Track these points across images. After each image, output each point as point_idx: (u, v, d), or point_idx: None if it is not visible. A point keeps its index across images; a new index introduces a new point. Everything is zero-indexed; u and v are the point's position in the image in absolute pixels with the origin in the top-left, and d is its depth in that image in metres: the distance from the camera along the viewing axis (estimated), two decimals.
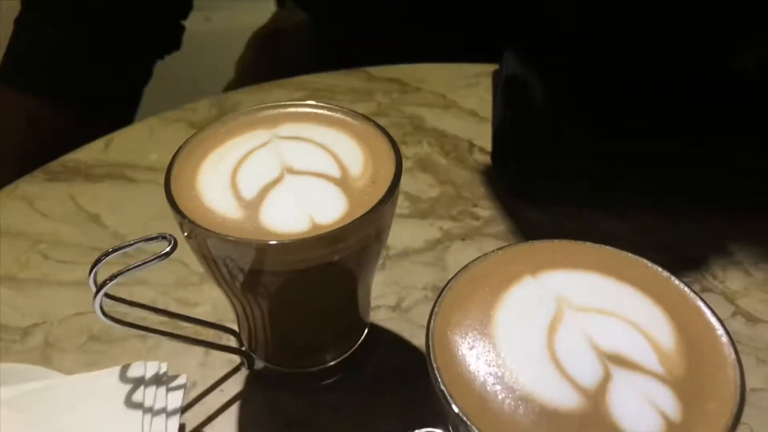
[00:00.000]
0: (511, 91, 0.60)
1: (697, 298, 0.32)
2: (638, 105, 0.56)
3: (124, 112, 0.84)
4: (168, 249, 0.37)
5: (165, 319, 0.45)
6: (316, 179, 0.38)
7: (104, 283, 0.37)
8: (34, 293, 0.53)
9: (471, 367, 0.29)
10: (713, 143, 0.55)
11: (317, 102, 0.43)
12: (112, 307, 0.39)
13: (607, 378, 0.28)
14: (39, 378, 0.43)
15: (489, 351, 0.30)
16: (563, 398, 0.28)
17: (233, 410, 0.45)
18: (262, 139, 0.41)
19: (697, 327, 0.30)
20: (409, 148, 0.65)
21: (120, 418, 0.40)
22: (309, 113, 0.43)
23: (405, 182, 0.60)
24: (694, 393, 0.28)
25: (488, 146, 0.63)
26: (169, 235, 0.38)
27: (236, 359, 0.48)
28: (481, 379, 0.29)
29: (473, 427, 0.27)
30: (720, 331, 0.30)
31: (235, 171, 0.39)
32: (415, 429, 0.30)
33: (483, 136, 0.65)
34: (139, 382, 0.41)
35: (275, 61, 1.00)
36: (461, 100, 0.71)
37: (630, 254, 0.34)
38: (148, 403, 0.40)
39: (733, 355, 0.29)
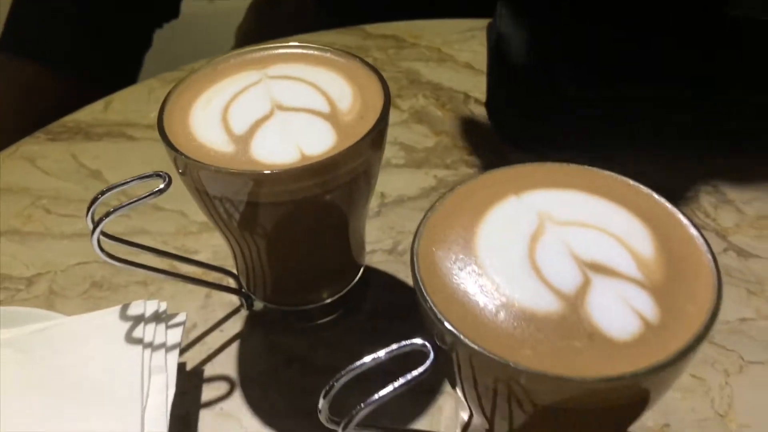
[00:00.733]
0: (504, 41, 0.60)
1: (678, 212, 0.32)
2: (627, 50, 0.56)
3: (124, 81, 0.85)
4: (162, 186, 0.38)
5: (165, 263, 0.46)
6: (306, 114, 0.39)
7: (101, 219, 0.38)
8: (37, 245, 0.54)
9: (454, 278, 0.30)
10: (703, 86, 0.55)
11: (307, 42, 0.44)
12: (113, 247, 0.40)
13: (586, 284, 0.29)
14: (41, 320, 0.44)
15: (471, 263, 0.30)
16: (543, 303, 0.28)
17: (233, 348, 0.46)
18: (252, 79, 0.42)
19: (676, 238, 0.31)
20: (405, 101, 0.66)
21: (120, 354, 0.41)
22: (299, 53, 0.43)
23: (400, 133, 0.61)
24: (672, 297, 0.29)
25: (483, 97, 0.63)
26: (164, 172, 0.39)
27: (236, 301, 0.49)
28: (464, 289, 0.29)
29: (456, 332, 0.28)
30: (699, 240, 0.31)
31: (226, 108, 0.40)
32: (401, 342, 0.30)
33: (478, 87, 0.66)
34: (138, 320, 0.42)
35: (274, 27, 1.01)
36: (456, 54, 0.71)
37: (613, 173, 0.34)
38: (148, 339, 0.42)
39: (711, 262, 0.30)
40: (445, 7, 0.75)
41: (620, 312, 0.28)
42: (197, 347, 0.46)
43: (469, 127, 0.62)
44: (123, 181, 0.39)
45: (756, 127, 0.57)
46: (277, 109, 0.39)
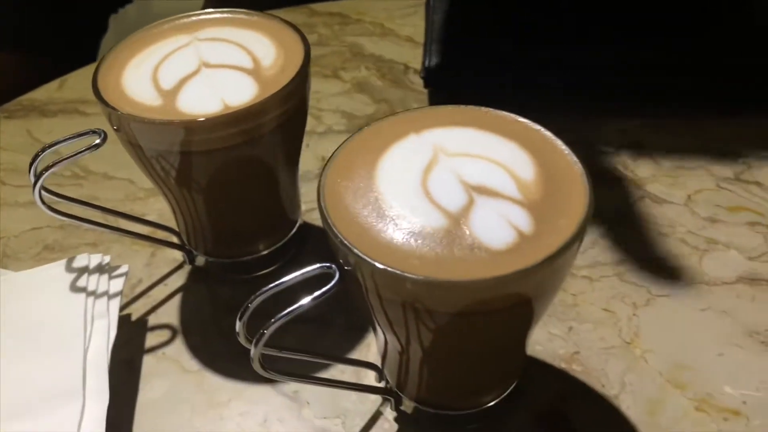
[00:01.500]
0: (438, 9, 0.63)
1: (563, 144, 0.35)
2: (551, 13, 0.59)
3: (80, 65, 0.88)
4: (99, 141, 0.41)
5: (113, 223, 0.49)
6: (231, 71, 0.42)
7: (42, 173, 0.41)
8: None
9: (355, 205, 0.33)
10: (623, 46, 0.59)
11: (234, 8, 0.47)
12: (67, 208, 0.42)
13: (470, 203, 0.32)
14: None
15: (370, 191, 0.33)
16: (431, 221, 0.32)
17: (176, 300, 0.49)
18: (183, 41, 0.44)
19: (557, 164, 0.34)
20: (348, 73, 0.69)
21: (65, 302, 0.44)
22: (227, 17, 0.46)
23: (342, 102, 0.64)
24: (547, 213, 0.32)
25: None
26: (100, 129, 0.41)
27: (179, 258, 0.51)
28: (363, 213, 0.32)
29: (354, 249, 0.31)
30: (576, 165, 0.34)
31: (156, 68, 0.43)
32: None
33: (418, 59, 0.69)
34: (83, 271, 0.45)
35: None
36: (398, 29, 0.74)
37: (507, 113, 0.37)
38: (91, 288, 0.44)
39: (586, 185, 0.33)
40: None
41: (499, 226, 0.31)
42: (142, 300, 0.49)
43: (406, 95, 0.65)
44: (62, 138, 0.42)
45: (673, 85, 0.60)
46: (204, 67, 0.42)
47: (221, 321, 0.47)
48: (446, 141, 0.35)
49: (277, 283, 0.33)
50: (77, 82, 0.70)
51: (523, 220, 0.32)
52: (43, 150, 0.42)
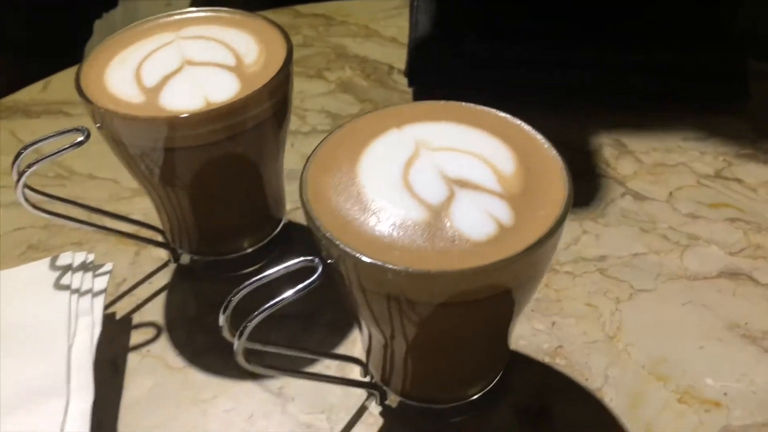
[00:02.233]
0: (422, 9, 0.64)
1: (543, 138, 0.36)
2: (532, 14, 0.60)
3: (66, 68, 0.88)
4: (82, 138, 0.41)
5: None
6: (213, 68, 0.42)
7: (24, 171, 0.41)
8: None
9: (337, 199, 0.33)
10: (604, 45, 0.60)
11: (218, 7, 0.47)
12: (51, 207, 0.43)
13: (451, 197, 0.32)
14: None
15: (352, 185, 0.34)
16: (412, 214, 0.32)
17: (160, 298, 0.49)
18: (166, 40, 0.44)
19: (536, 157, 0.35)
20: (333, 74, 0.69)
21: (49, 299, 0.44)
22: (210, 16, 0.47)
23: (326, 103, 0.65)
24: (526, 205, 0.32)
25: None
26: (83, 127, 0.41)
27: (164, 257, 0.51)
28: (345, 206, 0.33)
29: (336, 241, 0.31)
30: (556, 159, 0.34)
31: (139, 66, 0.43)
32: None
33: (402, 59, 0.69)
34: (67, 269, 0.45)
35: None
36: (383, 30, 0.74)
37: (486, 108, 0.38)
38: (75, 286, 0.44)
39: (565, 177, 0.33)
40: None
41: (480, 218, 0.32)
42: (126, 299, 0.49)
43: (391, 95, 0.65)
44: (45, 136, 0.42)
45: (655, 84, 0.61)
46: (187, 65, 0.42)
47: (206, 318, 0.47)
48: (428, 135, 0.36)
49: (260, 276, 0.33)
50: (61, 83, 0.70)
51: (503, 212, 0.32)
52: (26, 148, 0.42)
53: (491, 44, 0.61)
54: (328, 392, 0.43)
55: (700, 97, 0.61)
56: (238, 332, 0.33)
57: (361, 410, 0.42)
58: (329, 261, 0.32)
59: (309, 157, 0.36)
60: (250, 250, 0.49)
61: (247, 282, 0.33)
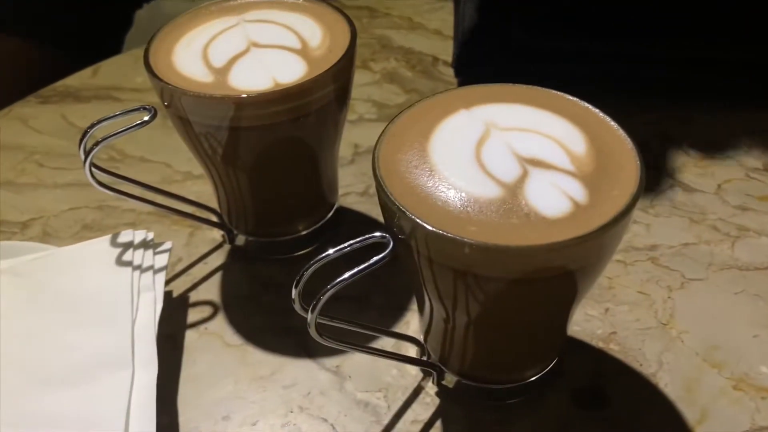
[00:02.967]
0: (468, 2, 0.64)
1: (611, 120, 0.36)
2: (580, 6, 0.60)
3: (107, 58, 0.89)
4: (148, 117, 0.42)
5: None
6: (279, 50, 0.43)
7: (92, 148, 0.42)
8: (31, 194, 0.57)
9: (409, 175, 0.34)
10: (651, 39, 0.60)
11: None
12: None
13: (524, 175, 0.33)
14: (37, 251, 0.47)
15: (424, 162, 0.34)
16: (487, 191, 0.32)
17: (216, 278, 0.50)
18: (230, 23, 0.45)
19: (607, 139, 0.35)
20: (378, 64, 0.70)
21: (112, 275, 0.44)
22: (274, 1, 0.47)
23: (372, 92, 0.65)
24: (600, 184, 0.33)
25: (450, 59, 0.67)
26: (150, 105, 0.42)
27: (218, 238, 0.52)
28: (418, 183, 0.33)
29: (412, 216, 0.31)
30: (626, 140, 0.35)
31: (206, 47, 0.44)
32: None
33: (446, 51, 0.70)
34: (128, 246, 0.46)
35: None
36: (426, 22, 0.75)
37: (552, 90, 0.38)
38: (137, 262, 0.45)
39: (637, 158, 0.34)
40: None
41: (554, 196, 0.32)
42: (183, 278, 0.50)
43: (436, 85, 0.66)
44: (112, 114, 0.43)
45: (701, 80, 0.61)
46: (253, 47, 0.43)
47: (261, 298, 0.48)
48: (496, 116, 0.36)
49: (335, 249, 0.33)
50: (110, 69, 0.71)
51: (577, 190, 0.32)
52: (93, 126, 0.42)
53: (538, 35, 0.62)
54: (383, 372, 0.43)
55: (748, 92, 0.61)
56: (311, 306, 0.34)
57: (418, 389, 0.42)
58: (401, 236, 0.33)
59: (380, 137, 0.36)
60: (304, 233, 0.50)
61: (320, 256, 0.34)
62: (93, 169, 0.43)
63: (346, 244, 0.34)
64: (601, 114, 0.37)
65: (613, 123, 0.36)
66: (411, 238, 0.32)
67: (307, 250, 0.51)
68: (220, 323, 0.47)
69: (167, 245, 0.47)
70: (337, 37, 0.44)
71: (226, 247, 0.52)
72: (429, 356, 0.42)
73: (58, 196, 0.57)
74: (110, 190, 0.44)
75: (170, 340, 0.45)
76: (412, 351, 0.44)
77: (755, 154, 0.57)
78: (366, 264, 0.33)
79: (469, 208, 0.32)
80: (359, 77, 0.68)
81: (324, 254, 0.34)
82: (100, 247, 0.46)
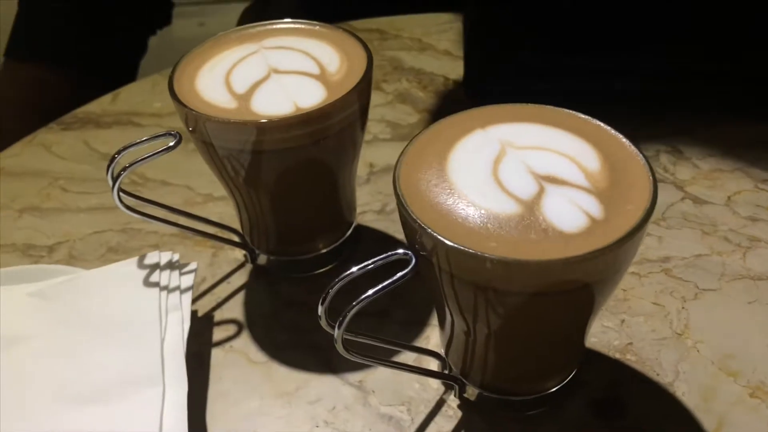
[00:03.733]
0: (476, 20, 0.66)
1: (623, 137, 0.37)
2: (583, 25, 0.62)
3: (124, 83, 0.91)
4: (173, 143, 0.43)
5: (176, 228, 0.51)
6: (299, 76, 0.45)
7: (119, 174, 0.43)
8: (56, 219, 0.59)
9: (429, 194, 0.35)
10: (658, 54, 0.61)
11: (297, 19, 0.49)
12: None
13: (541, 192, 0.34)
14: (64, 274, 0.49)
15: (443, 181, 0.35)
16: (505, 207, 0.34)
17: (239, 297, 0.51)
18: (251, 50, 0.47)
19: (620, 156, 0.36)
20: (390, 85, 0.71)
21: (139, 296, 0.46)
22: (290, 28, 0.49)
23: (386, 112, 0.67)
24: (614, 199, 0.34)
25: (461, 79, 0.69)
26: (175, 131, 0.44)
27: (240, 258, 0.54)
28: (438, 201, 0.34)
29: (433, 233, 0.33)
30: (639, 156, 0.36)
31: (228, 73, 0.45)
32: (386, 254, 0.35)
33: (456, 71, 0.71)
34: (154, 267, 0.47)
35: None
36: (436, 43, 0.77)
37: (566, 109, 0.39)
38: (164, 283, 0.46)
39: (649, 173, 0.35)
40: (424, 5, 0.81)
41: (570, 211, 0.33)
42: (207, 297, 0.51)
43: (448, 105, 0.67)
44: (138, 140, 0.44)
45: (709, 93, 0.62)
46: (274, 73, 0.45)
47: (284, 315, 0.49)
48: (512, 136, 0.38)
49: (359, 267, 0.35)
50: (128, 95, 0.73)
51: (592, 206, 0.34)
52: (119, 152, 0.44)
53: (546, 53, 0.63)
54: (406, 386, 0.44)
55: (751, 104, 0.62)
56: (338, 322, 0.35)
57: (440, 402, 0.43)
58: (423, 253, 0.34)
59: (399, 157, 0.37)
60: (324, 251, 0.51)
61: (344, 274, 0.35)
62: (122, 194, 0.45)
63: (369, 262, 0.35)
64: (612, 131, 0.38)
65: (624, 139, 0.37)
66: (433, 255, 0.34)
67: (328, 267, 0.52)
68: (245, 341, 0.48)
69: (192, 266, 0.48)
70: (354, 61, 0.46)
71: (249, 266, 0.53)
72: (450, 369, 0.43)
73: (82, 219, 0.58)
74: (137, 213, 0.46)
75: (197, 359, 0.46)
76: (433, 365, 0.45)
77: (762, 166, 0.58)
78: (390, 280, 0.34)
79: (488, 225, 0.33)
80: (372, 98, 0.69)
81: (348, 272, 0.35)
82: (127, 269, 0.48)
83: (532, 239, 0.32)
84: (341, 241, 0.52)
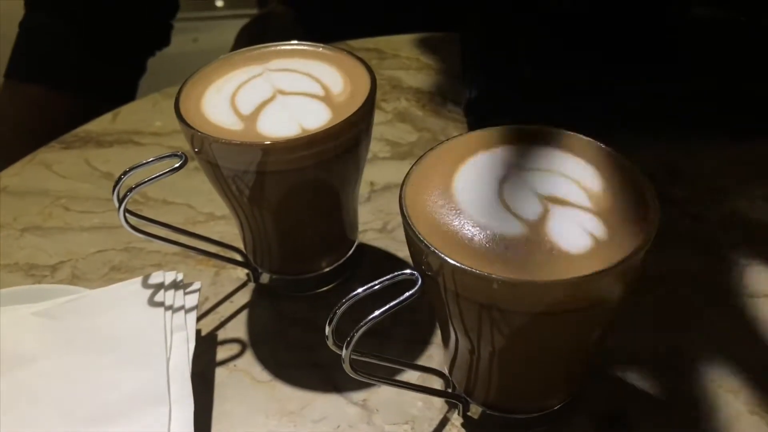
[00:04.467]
0: (474, 42, 0.67)
1: (626, 159, 0.38)
2: (585, 43, 0.63)
3: (122, 103, 0.92)
4: (179, 164, 0.44)
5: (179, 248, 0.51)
6: (304, 97, 0.45)
7: (126, 194, 0.44)
8: (59, 238, 0.59)
9: (435, 214, 0.35)
10: (656, 74, 0.62)
11: (301, 41, 0.50)
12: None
13: (546, 213, 0.35)
14: (68, 294, 0.49)
15: (449, 201, 0.36)
16: (510, 228, 0.34)
17: (242, 316, 0.51)
18: (255, 72, 0.48)
19: (622, 176, 0.37)
20: (389, 104, 0.72)
21: (144, 316, 0.46)
22: (294, 50, 0.50)
23: (385, 131, 0.68)
24: (618, 221, 0.34)
25: (460, 98, 0.70)
26: (180, 152, 0.44)
27: (243, 277, 0.54)
28: (444, 222, 0.35)
29: (439, 254, 0.33)
30: (642, 177, 0.37)
31: (233, 95, 0.46)
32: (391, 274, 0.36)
33: (455, 90, 0.72)
34: (159, 287, 0.47)
35: None
36: (434, 62, 0.78)
37: (567, 131, 0.40)
38: (168, 303, 0.47)
39: (651, 194, 0.36)
40: (424, 25, 0.82)
41: (575, 232, 0.34)
42: (210, 316, 0.51)
43: (447, 124, 0.68)
44: (144, 161, 0.44)
45: (706, 112, 0.63)
46: (279, 94, 0.45)
47: (287, 334, 0.50)
48: (516, 157, 0.38)
49: (365, 287, 0.35)
50: (128, 114, 0.73)
51: (596, 227, 0.34)
52: (125, 173, 0.44)
53: (544, 71, 0.64)
54: (409, 404, 0.45)
55: (746, 123, 0.63)
56: (345, 342, 0.35)
57: (444, 421, 0.44)
58: (429, 273, 0.35)
59: (405, 179, 0.38)
60: (327, 270, 0.52)
61: (351, 294, 0.35)
62: (127, 214, 0.45)
63: (376, 282, 0.35)
64: (614, 153, 0.38)
65: (627, 161, 0.38)
66: (439, 275, 0.34)
67: (331, 286, 0.52)
68: (249, 360, 0.48)
69: (196, 285, 0.49)
70: (357, 82, 0.46)
71: (251, 285, 0.53)
72: (454, 388, 0.44)
73: (85, 239, 0.59)
74: (142, 233, 0.46)
75: (201, 378, 0.47)
76: (436, 383, 0.45)
77: (759, 183, 0.59)
78: (397, 300, 0.35)
79: (494, 246, 0.34)
80: None
81: (354, 293, 0.35)
82: (132, 289, 0.48)
83: (537, 260, 0.33)
84: (344, 259, 0.52)
